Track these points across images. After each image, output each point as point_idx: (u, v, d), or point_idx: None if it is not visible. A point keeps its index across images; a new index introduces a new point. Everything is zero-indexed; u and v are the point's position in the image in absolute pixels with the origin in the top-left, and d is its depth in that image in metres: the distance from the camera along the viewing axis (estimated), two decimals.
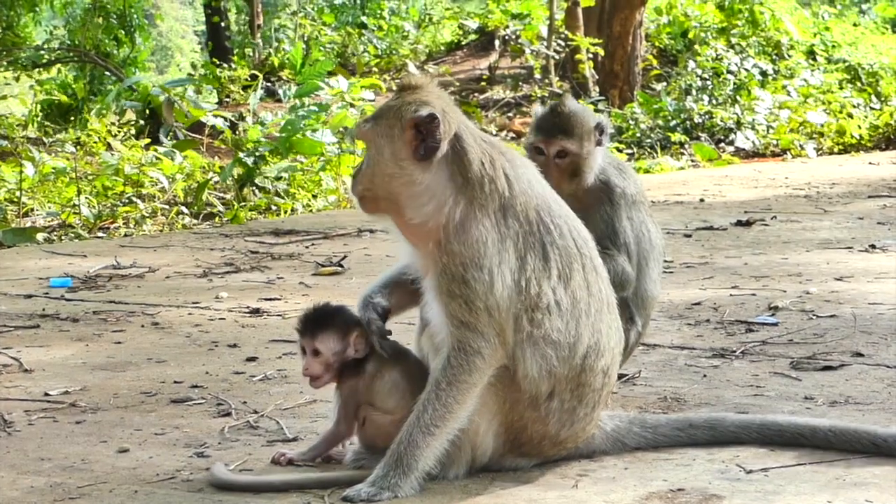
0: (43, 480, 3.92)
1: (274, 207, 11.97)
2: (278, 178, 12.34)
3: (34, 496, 3.77)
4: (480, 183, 3.70)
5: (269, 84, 20.07)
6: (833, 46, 21.45)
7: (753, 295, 6.95)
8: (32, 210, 11.75)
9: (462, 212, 3.68)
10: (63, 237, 10.81)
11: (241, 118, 14.16)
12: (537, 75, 20.24)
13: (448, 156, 3.72)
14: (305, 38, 21.87)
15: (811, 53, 21.14)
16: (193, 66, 22.52)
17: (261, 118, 13.76)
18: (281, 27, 24.51)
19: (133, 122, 14.85)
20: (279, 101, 18.44)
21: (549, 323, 3.72)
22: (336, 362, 3.95)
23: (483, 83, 20.38)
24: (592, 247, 3.91)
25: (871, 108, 18.93)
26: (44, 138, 15.64)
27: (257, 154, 12.23)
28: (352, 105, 13.27)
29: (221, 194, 12.39)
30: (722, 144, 17.23)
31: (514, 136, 18.09)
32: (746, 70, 19.16)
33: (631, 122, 17.54)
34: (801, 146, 17.00)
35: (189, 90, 14.66)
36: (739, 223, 9.99)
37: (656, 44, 21.45)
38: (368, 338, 3.91)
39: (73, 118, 18.64)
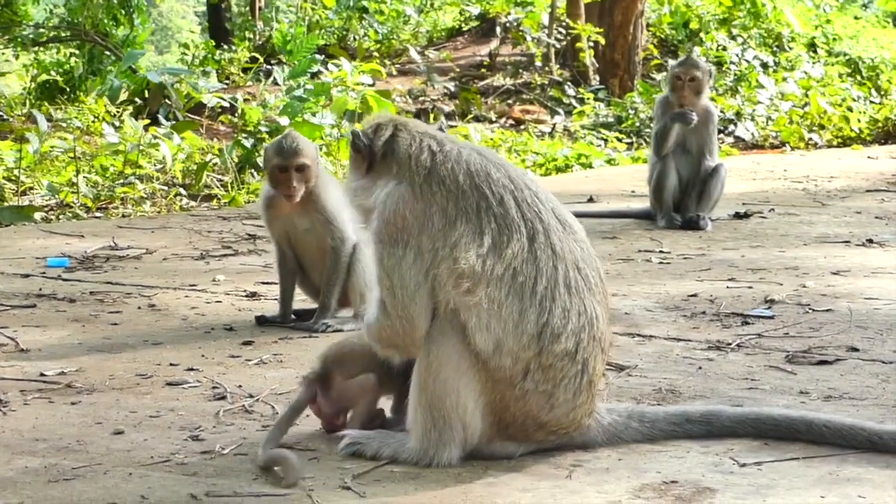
0: (37, 461, 3.93)
1: None
2: None
3: (28, 476, 3.78)
4: (406, 163, 3.91)
5: (269, 66, 20.02)
6: (834, 39, 21.42)
7: (750, 288, 6.96)
8: (31, 189, 11.72)
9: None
10: (61, 217, 10.79)
11: (244, 100, 14.11)
12: (538, 63, 20.21)
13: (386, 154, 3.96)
14: (307, 21, 21.76)
15: (812, 46, 21.11)
16: (186, 46, 22.29)
17: (265, 101, 13.68)
18: (280, 10, 24.40)
19: (128, 102, 14.79)
20: (277, 83, 18.39)
21: (482, 292, 3.71)
22: None
23: (483, 70, 20.32)
24: (555, 226, 3.84)
25: (871, 102, 18.91)
26: (51, 112, 15.54)
27: (257, 136, 12.20)
28: (352, 89, 13.22)
29: (220, 177, 12.37)
30: (721, 135, 17.21)
31: (513, 122, 18.04)
32: (747, 61, 19.13)
33: (631, 111, 17.52)
34: (808, 138, 16.98)
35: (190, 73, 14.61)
36: (737, 215, 9.98)
37: (657, 33, 21.40)
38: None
39: (69, 97, 18.55)
